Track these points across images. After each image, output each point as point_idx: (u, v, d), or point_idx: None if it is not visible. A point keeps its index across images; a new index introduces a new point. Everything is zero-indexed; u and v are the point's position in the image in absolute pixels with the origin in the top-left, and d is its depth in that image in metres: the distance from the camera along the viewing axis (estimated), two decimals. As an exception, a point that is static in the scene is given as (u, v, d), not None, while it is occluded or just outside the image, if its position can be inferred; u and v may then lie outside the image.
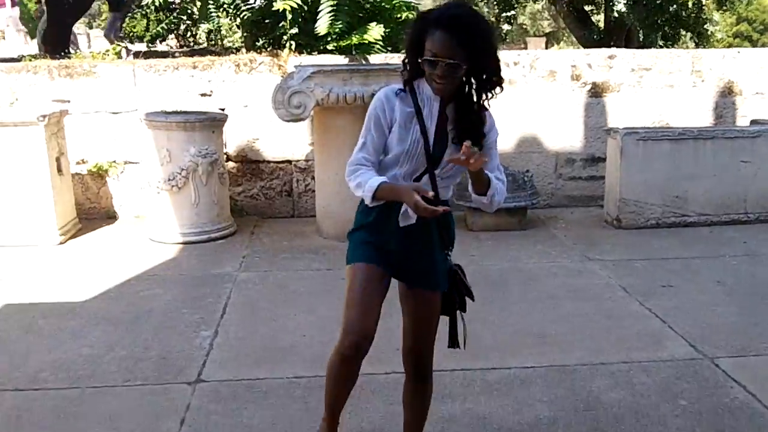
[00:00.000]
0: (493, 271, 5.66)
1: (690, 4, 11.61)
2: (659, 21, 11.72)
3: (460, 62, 2.47)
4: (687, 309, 4.85)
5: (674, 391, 3.71)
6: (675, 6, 11.42)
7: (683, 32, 12.42)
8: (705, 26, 12.33)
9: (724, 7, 12.36)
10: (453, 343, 2.90)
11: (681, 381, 3.82)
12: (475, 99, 2.64)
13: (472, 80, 2.60)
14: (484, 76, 2.58)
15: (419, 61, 2.52)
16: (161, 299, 5.04)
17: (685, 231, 6.73)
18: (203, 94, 7.19)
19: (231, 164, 7.27)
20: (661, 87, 7.72)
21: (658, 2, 11.31)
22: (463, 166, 2.47)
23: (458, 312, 2.87)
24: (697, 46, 12.66)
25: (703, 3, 11.91)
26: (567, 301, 5.00)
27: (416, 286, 2.78)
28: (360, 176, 2.60)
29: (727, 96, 7.91)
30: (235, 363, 4.06)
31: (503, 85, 2.62)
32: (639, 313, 4.80)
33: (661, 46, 11.55)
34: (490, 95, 2.63)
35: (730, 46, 27.70)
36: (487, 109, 2.67)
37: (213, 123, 6.48)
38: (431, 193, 2.50)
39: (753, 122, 7.58)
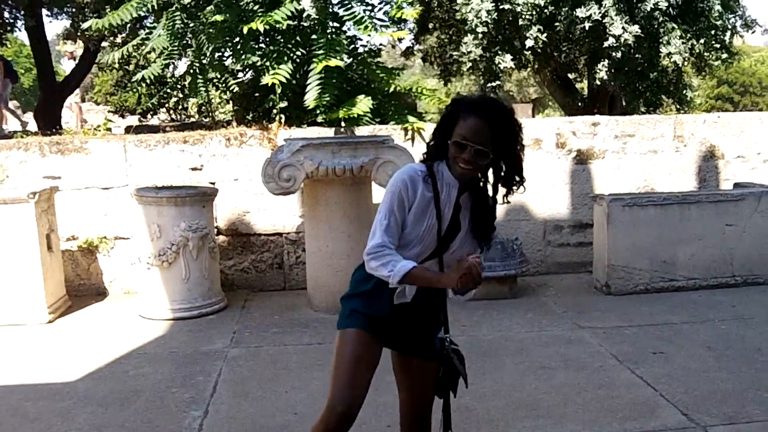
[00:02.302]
0: (483, 341, 5.65)
1: (670, 71, 11.86)
2: (641, 87, 11.99)
3: (488, 150, 2.54)
4: (678, 376, 4.84)
5: (668, 462, 3.70)
6: (655, 73, 11.68)
7: (665, 98, 12.69)
8: (684, 92, 12.60)
9: (703, 73, 12.62)
10: (447, 426, 2.89)
11: (675, 452, 3.81)
12: (491, 192, 2.72)
13: (490, 174, 2.69)
14: (504, 171, 2.67)
15: (448, 142, 2.59)
16: (151, 378, 4.99)
17: (674, 296, 6.75)
18: (194, 168, 7.26)
19: (222, 238, 7.29)
20: (645, 152, 7.84)
21: (638, 69, 11.57)
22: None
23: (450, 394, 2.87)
24: (678, 111, 12.89)
25: (683, 69, 12.17)
26: (559, 371, 4.99)
27: (412, 354, 2.80)
28: (386, 257, 2.61)
29: (709, 160, 8.03)
30: (226, 443, 4.02)
31: (524, 184, 2.72)
32: (630, 381, 4.78)
33: (644, 112, 11.76)
34: (509, 191, 2.72)
35: (712, 108, 28.24)
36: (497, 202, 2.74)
37: (203, 197, 6.53)
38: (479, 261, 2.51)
39: (736, 185, 7.68)
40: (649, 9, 10.39)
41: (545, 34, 10.81)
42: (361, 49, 8.57)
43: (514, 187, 2.71)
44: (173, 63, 8.16)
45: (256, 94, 8.30)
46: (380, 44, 9.17)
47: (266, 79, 7.30)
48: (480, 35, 11.00)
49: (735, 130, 8.11)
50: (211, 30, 7.49)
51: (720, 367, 5.02)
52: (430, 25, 13.91)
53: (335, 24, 7.94)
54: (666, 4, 10.42)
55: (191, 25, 7.74)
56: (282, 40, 7.77)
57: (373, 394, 4.58)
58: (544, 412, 4.35)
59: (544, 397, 4.57)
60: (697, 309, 6.38)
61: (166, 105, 9.99)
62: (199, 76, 7.96)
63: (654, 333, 5.75)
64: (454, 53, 12.47)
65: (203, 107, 10.03)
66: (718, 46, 11.72)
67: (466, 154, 2.56)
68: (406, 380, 2.88)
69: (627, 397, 4.53)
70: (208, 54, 7.75)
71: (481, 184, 2.72)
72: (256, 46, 7.83)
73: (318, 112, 7.43)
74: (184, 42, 7.93)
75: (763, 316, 6.14)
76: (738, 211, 7.01)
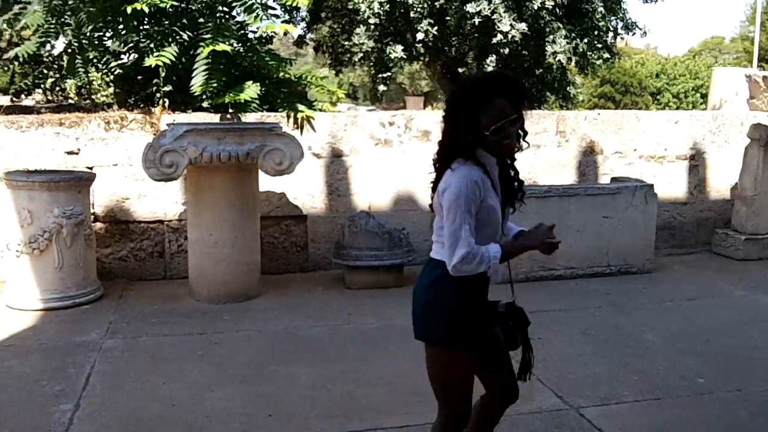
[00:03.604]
0: (369, 330, 5.64)
1: (555, 69, 12.20)
2: (527, 84, 12.27)
3: (519, 114, 2.75)
4: (555, 361, 4.96)
5: (543, 444, 3.77)
6: (541, 69, 11.98)
7: (549, 94, 13.04)
8: (568, 89, 12.99)
9: (585, 71, 13.03)
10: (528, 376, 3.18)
11: (549, 433, 3.90)
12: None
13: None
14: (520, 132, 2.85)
15: (485, 134, 2.69)
16: (16, 371, 4.71)
17: (552, 284, 6.91)
18: (70, 152, 6.92)
19: (99, 225, 7.00)
20: (529, 147, 7.96)
21: (525, 66, 11.84)
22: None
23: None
24: (561, 107, 13.27)
25: (567, 67, 12.54)
26: (442, 359, 5.01)
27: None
28: (477, 256, 2.73)
29: (589, 155, 8.27)
30: (97, 437, 3.84)
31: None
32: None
33: (529, 108, 12.03)
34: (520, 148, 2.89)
35: (595, 106, 29.28)
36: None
37: (79, 182, 6.24)
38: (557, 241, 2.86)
39: (613, 179, 7.94)
40: (536, 8, 10.63)
41: (436, 28, 10.90)
42: (251, 36, 8.41)
43: (524, 143, 2.88)
44: (50, 41, 7.76)
45: (139, 77, 8.00)
46: (272, 32, 9.00)
47: (150, 61, 7.03)
48: (372, 26, 10.99)
49: (613, 127, 8.38)
50: (91, 8, 7.17)
51: (594, 351, 5.20)
52: (323, 15, 13.82)
53: (224, 9, 7.74)
54: (552, 3, 10.69)
55: (70, 2, 7.38)
56: (167, 22, 7.51)
57: (252, 385, 4.54)
58: (427, 397, 4.29)
59: (427, 383, 4.52)
60: (574, 297, 6.57)
61: (42, 85, 9.47)
62: (78, 56, 7.61)
63: (533, 320, 5.69)
64: (346, 43, 12.43)
65: (83, 89, 9.58)
66: (600, 46, 12.11)
67: (506, 131, 2.70)
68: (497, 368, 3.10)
69: (505, 382, 4.59)
70: (87, 33, 7.42)
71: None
72: (140, 28, 7.55)
73: (204, 97, 7.23)
74: (63, 20, 7.55)
75: (635, 303, 6.41)
76: (614, 204, 7.26)
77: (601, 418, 4.11)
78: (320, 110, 8.01)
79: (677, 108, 28.77)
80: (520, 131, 2.82)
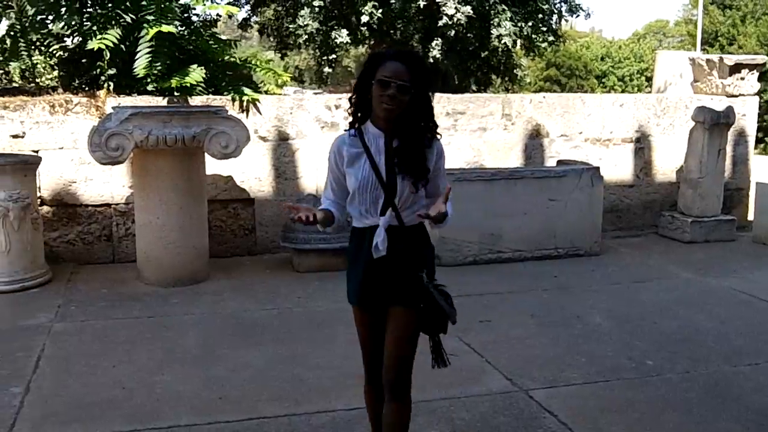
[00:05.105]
0: (318, 313, 5.70)
1: (500, 51, 12.31)
2: (472, 66, 12.37)
3: (410, 85, 2.81)
4: (503, 343, 5.06)
5: (492, 424, 3.87)
6: (486, 52, 12.08)
7: (494, 77, 13.16)
8: (514, 71, 13.12)
9: (532, 53, 13.18)
10: (437, 363, 3.29)
11: (498, 414, 3.99)
12: (417, 132, 2.93)
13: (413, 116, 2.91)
14: (421, 113, 2.90)
15: (372, 83, 2.82)
16: (-36, 356, 4.69)
17: (500, 267, 7.03)
18: (15, 136, 6.84)
19: (46, 208, 6.93)
20: (475, 129, 8.11)
21: (470, 49, 11.95)
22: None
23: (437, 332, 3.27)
24: (507, 90, 13.41)
25: (512, 50, 12.68)
26: (390, 340, 5.09)
27: (396, 303, 3.09)
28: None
29: (535, 138, 8.42)
30: (49, 421, 3.85)
31: (437, 128, 3.00)
32: (458, 348, 4.91)
33: (475, 91, 12.14)
34: (431, 134, 2.96)
35: (541, 89, 29.53)
36: (436, 139, 2.99)
37: (25, 166, 6.19)
38: (288, 204, 2.94)
39: (559, 162, 8.10)
40: (480, -9, 10.72)
41: (380, 11, 10.92)
42: (195, 19, 8.36)
43: (434, 129, 2.96)
44: (-8, 24, 7.63)
45: (83, 60, 7.90)
46: (216, 14, 8.94)
47: (93, 44, 6.96)
48: (316, 9, 10.98)
49: (559, 110, 8.53)
50: (34, -10, 7.05)
51: (542, 333, 5.29)
52: (267, -3, 13.75)
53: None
54: (497, -14, 10.79)
55: (11, -17, 7.27)
56: (110, 5, 7.42)
57: (201, 368, 4.57)
58: (374, 379, 4.44)
59: (375, 365, 4.66)
60: (521, 279, 6.68)
61: (-16, 69, 9.32)
62: (21, 40, 7.48)
63: (481, 302, 5.97)
64: (291, 26, 12.38)
65: (27, 72, 9.43)
66: (545, 29, 12.26)
67: (390, 90, 2.79)
68: (387, 327, 3.16)
69: (454, 364, 4.57)
70: (30, 16, 7.29)
71: (410, 129, 2.93)
72: (83, 10, 7.45)
73: (149, 80, 7.19)
74: (5, 2, 7.41)
75: (582, 285, 6.55)
76: (560, 187, 7.39)
77: (550, 399, 4.19)
78: (266, 93, 8.01)
79: (622, 91, 29.17)
80: (432, 126, 2.95)
